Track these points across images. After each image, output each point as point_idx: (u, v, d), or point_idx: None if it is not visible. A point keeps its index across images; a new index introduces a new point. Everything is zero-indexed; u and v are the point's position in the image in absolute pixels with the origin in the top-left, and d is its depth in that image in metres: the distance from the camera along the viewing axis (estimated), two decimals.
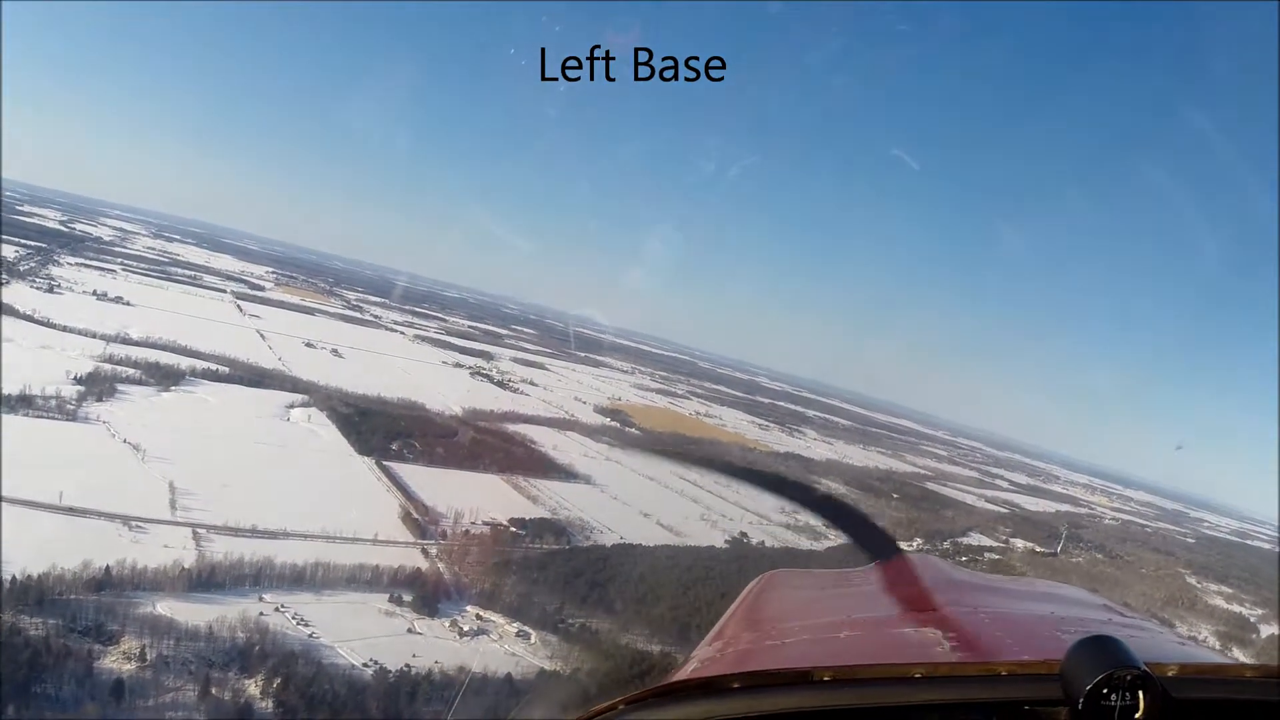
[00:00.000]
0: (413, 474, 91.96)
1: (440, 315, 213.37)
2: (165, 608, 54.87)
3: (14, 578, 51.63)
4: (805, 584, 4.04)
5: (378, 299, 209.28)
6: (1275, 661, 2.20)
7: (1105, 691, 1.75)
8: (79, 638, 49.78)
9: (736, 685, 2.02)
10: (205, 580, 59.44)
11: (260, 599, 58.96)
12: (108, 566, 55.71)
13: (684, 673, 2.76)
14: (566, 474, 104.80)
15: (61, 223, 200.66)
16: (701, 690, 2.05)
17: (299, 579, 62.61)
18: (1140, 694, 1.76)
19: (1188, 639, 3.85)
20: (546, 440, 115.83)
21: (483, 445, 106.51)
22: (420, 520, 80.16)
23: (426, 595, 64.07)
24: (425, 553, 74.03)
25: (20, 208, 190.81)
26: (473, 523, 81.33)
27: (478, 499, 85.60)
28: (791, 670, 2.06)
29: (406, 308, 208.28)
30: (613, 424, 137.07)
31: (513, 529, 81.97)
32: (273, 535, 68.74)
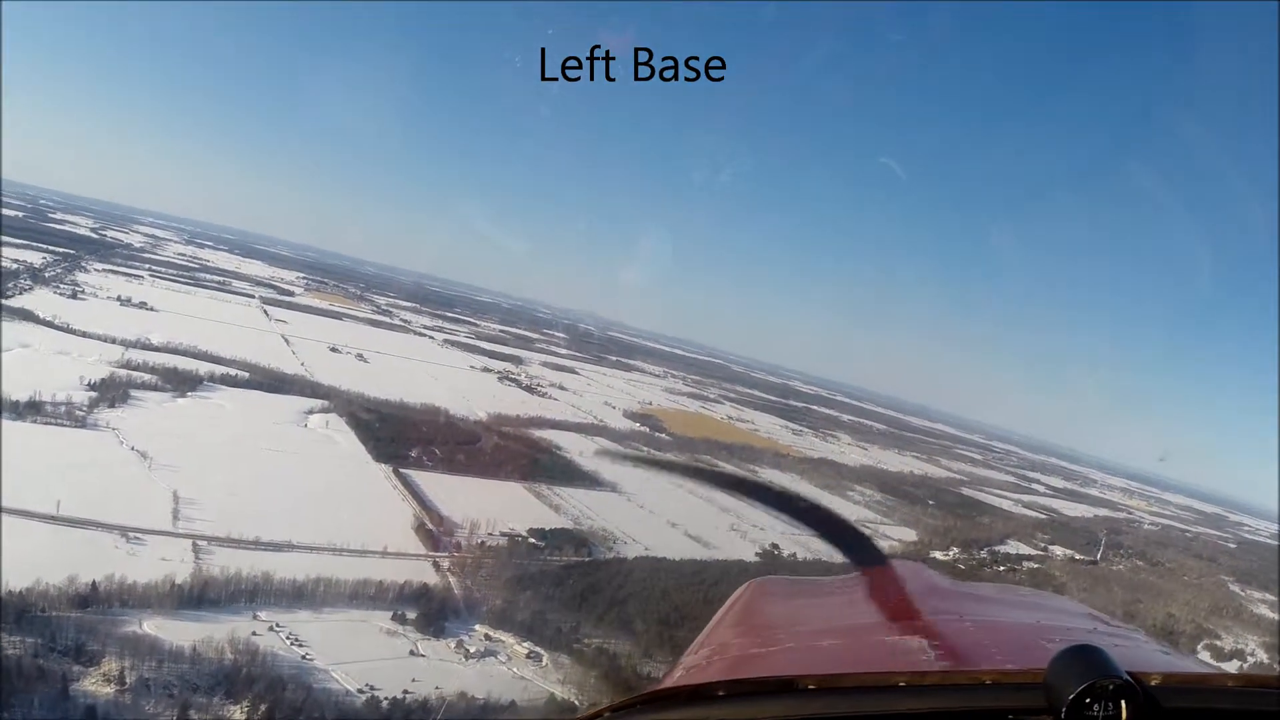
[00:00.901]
0: (431, 482, 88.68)
1: (471, 320, 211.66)
2: (152, 626, 51.73)
3: None
4: (791, 591, 3.94)
5: (409, 304, 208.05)
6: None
7: (1088, 701, 1.75)
8: (57, 658, 46.73)
9: (722, 693, 2.03)
10: (199, 597, 56.22)
11: (255, 617, 55.62)
12: (94, 581, 52.75)
13: (670, 680, 2.75)
14: (592, 481, 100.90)
15: (93, 230, 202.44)
16: (687, 697, 2.07)
17: (299, 595, 59.24)
18: (1123, 704, 1.76)
19: (1172, 649, 3.42)
20: (573, 446, 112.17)
21: (506, 452, 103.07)
22: (434, 531, 76.60)
23: (433, 613, 60.22)
24: (436, 566, 70.43)
25: (52, 215, 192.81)
26: (489, 533, 77.64)
27: (497, 508, 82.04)
28: (776, 678, 2.08)
29: (437, 312, 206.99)
30: (643, 429, 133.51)
31: (531, 540, 78.19)
32: (276, 548, 65.56)
